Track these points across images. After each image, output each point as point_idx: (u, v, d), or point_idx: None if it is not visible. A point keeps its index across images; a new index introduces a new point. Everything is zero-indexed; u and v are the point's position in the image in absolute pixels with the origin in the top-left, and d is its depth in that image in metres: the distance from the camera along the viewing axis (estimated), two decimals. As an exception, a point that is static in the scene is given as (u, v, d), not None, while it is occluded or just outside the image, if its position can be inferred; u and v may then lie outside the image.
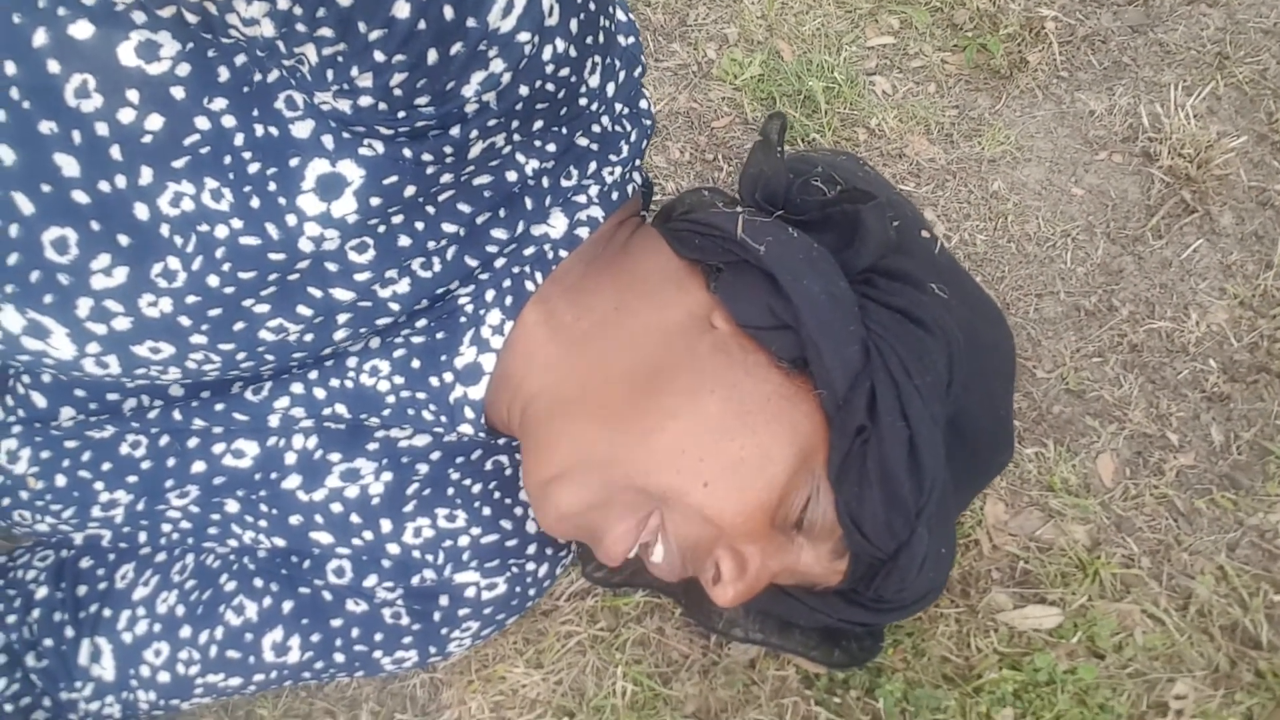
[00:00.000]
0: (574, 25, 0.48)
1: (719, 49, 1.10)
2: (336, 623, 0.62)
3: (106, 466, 0.61)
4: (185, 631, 0.61)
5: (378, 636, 0.63)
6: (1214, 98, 1.06)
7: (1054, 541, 0.75)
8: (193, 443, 0.61)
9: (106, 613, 0.62)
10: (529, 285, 0.57)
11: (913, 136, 1.03)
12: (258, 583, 0.63)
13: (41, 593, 0.62)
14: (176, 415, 0.60)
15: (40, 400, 0.60)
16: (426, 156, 0.47)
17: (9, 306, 0.49)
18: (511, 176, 0.53)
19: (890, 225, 0.57)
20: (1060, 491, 0.78)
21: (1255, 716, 0.67)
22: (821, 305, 0.53)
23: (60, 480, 0.61)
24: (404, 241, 0.51)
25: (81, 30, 0.44)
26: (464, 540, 0.64)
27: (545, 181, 0.55)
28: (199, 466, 0.61)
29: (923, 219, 0.65)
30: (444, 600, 0.64)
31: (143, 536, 0.63)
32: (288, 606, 0.62)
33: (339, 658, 0.63)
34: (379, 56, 0.42)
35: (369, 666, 0.64)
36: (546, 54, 0.47)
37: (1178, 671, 0.69)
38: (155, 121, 0.45)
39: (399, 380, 0.59)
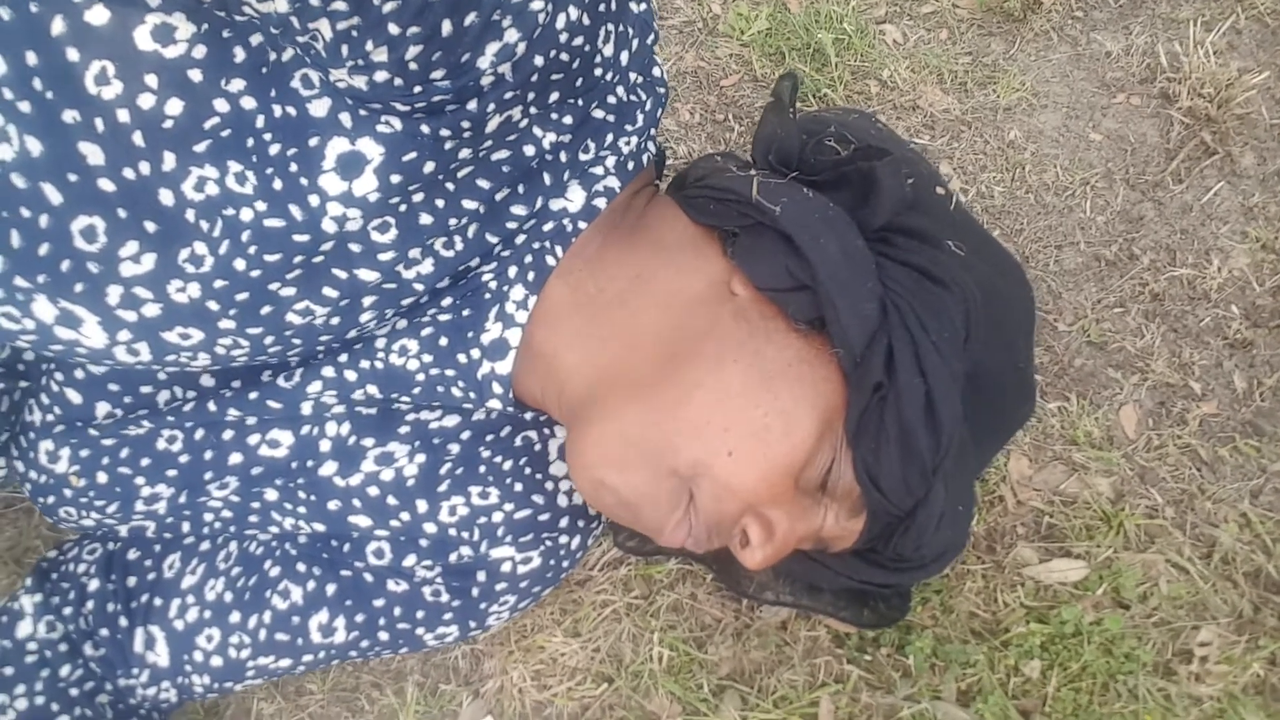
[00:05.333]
0: (586, -8, 0.47)
1: (725, 3, 1.07)
2: (379, 603, 0.64)
3: (145, 462, 0.62)
4: (235, 617, 0.63)
5: (419, 614, 0.65)
6: (1234, 32, 1.03)
7: (1078, 495, 0.76)
8: (228, 435, 0.62)
9: (157, 602, 0.63)
10: (550, 260, 0.57)
11: (926, 87, 1.01)
12: (301, 567, 0.64)
13: (94, 585, 0.64)
14: (211, 407, 0.61)
15: (75, 397, 0.61)
16: (444, 132, 0.47)
17: (41, 296, 0.49)
18: (529, 151, 0.53)
19: (905, 182, 0.56)
20: (1084, 445, 0.79)
21: (1279, 661, 0.68)
22: (838, 264, 0.53)
23: (101, 477, 0.62)
24: (425, 220, 0.51)
25: (97, 16, 0.44)
26: (498, 516, 0.65)
27: (563, 155, 0.55)
28: (236, 458, 0.62)
29: (938, 175, 0.64)
30: (481, 576, 0.65)
31: (186, 526, 0.65)
32: (331, 589, 0.64)
33: (383, 636, 0.65)
34: (393, 29, 0.42)
35: (412, 643, 0.66)
36: (560, 22, 0.46)
37: (1202, 619, 0.70)
38: (175, 106, 0.45)
39: (428, 359, 0.59)
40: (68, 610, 0.63)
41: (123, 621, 0.63)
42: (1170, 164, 0.95)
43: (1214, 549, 0.73)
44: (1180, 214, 0.92)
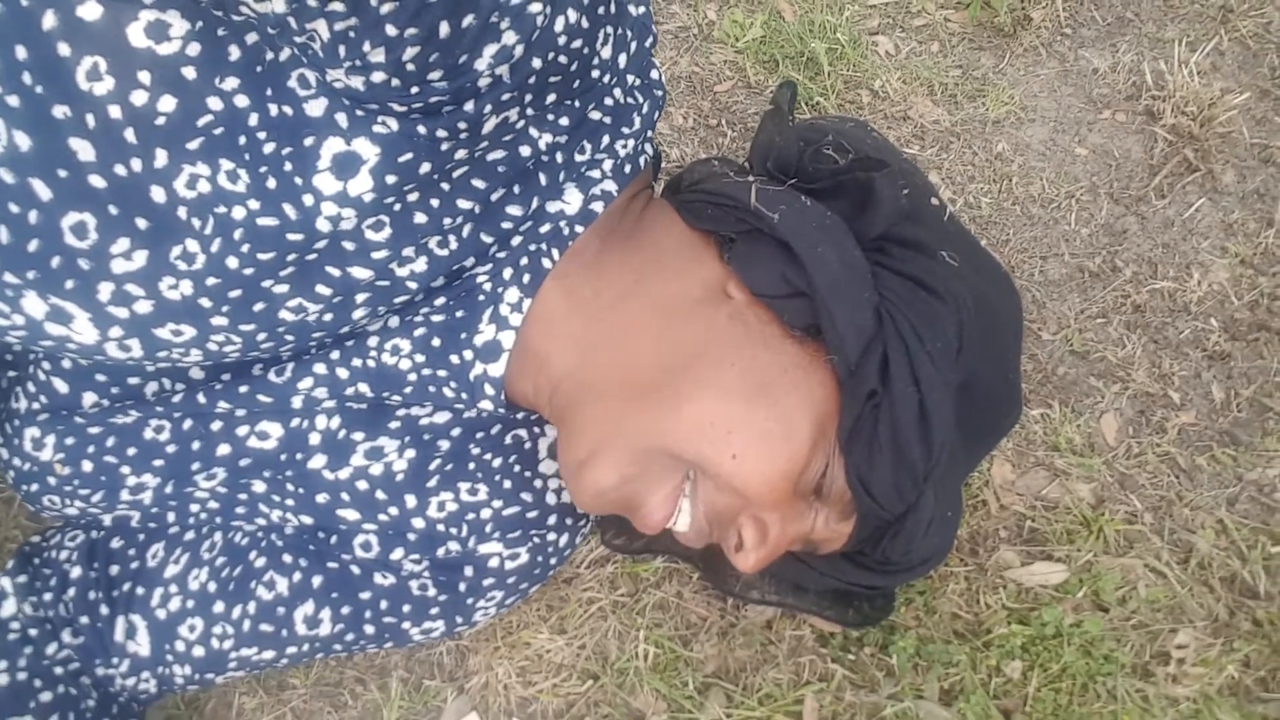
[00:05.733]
0: (585, -4, 0.47)
1: (719, 10, 1.08)
2: (365, 595, 0.64)
3: (132, 451, 0.61)
4: (218, 607, 0.62)
5: (406, 608, 0.65)
6: (1217, 53, 1.05)
7: (1059, 500, 0.77)
8: (216, 426, 0.62)
9: (139, 591, 0.63)
10: (546, 263, 0.57)
11: (916, 98, 1.02)
12: (287, 558, 0.64)
13: (75, 572, 0.63)
14: (200, 398, 0.60)
15: (62, 386, 0.61)
16: (441, 133, 0.47)
17: (31, 292, 0.49)
18: (525, 151, 0.53)
19: (902, 193, 0.57)
20: (1065, 451, 0.80)
21: (1253, 663, 0.69)
22: (835, 272, 0.54)
23: (87, 466, 0.61)
24: (420, 219, 0.52)
25: (90, 11, 0.44)
26: (486, 513, 0.65)
27: (559, 156, 0.55)
28: (224, 449, 0.62)
29: (932, 186, 0.65)
30: (469, 571, 0.65)
31: (171, 516, 0.64)
32: (317, 581, 0.63)
33: (369, 629, 0.65)
34: (391, 30, 0.42)
35: (398, 637, 0.66)
36: (559, 25, 0.47)
37: (1179, 622, 0.71)
38: (168, 103, 0.45)
39: (420, 358, 0.59)
40: (48, 596, 0.62)
41: (104, 610, 0.62)
42: (1153, 179, 0.96)
43: (1191, 554, 0.74)
44: (1162, 228, 0.94)
